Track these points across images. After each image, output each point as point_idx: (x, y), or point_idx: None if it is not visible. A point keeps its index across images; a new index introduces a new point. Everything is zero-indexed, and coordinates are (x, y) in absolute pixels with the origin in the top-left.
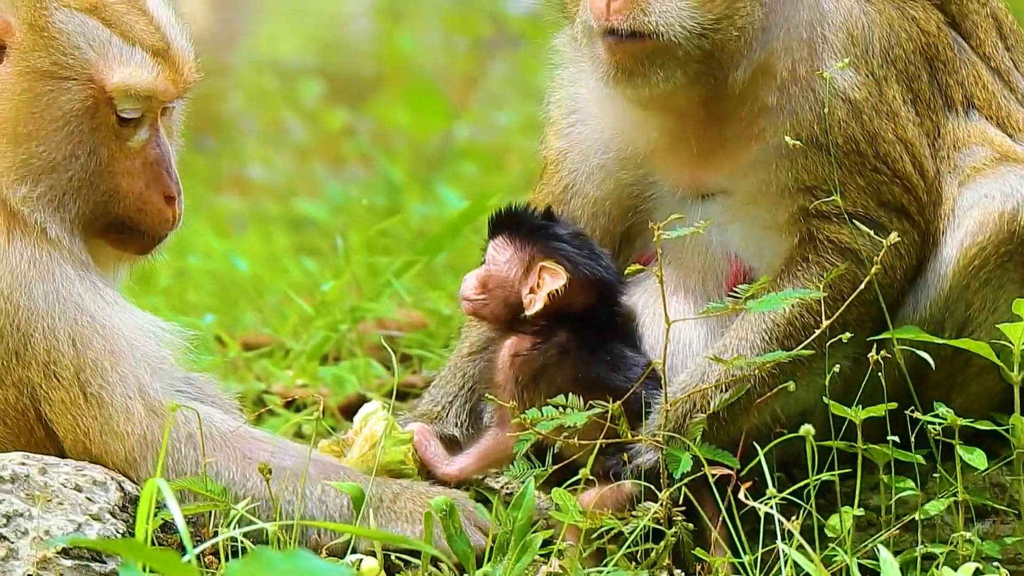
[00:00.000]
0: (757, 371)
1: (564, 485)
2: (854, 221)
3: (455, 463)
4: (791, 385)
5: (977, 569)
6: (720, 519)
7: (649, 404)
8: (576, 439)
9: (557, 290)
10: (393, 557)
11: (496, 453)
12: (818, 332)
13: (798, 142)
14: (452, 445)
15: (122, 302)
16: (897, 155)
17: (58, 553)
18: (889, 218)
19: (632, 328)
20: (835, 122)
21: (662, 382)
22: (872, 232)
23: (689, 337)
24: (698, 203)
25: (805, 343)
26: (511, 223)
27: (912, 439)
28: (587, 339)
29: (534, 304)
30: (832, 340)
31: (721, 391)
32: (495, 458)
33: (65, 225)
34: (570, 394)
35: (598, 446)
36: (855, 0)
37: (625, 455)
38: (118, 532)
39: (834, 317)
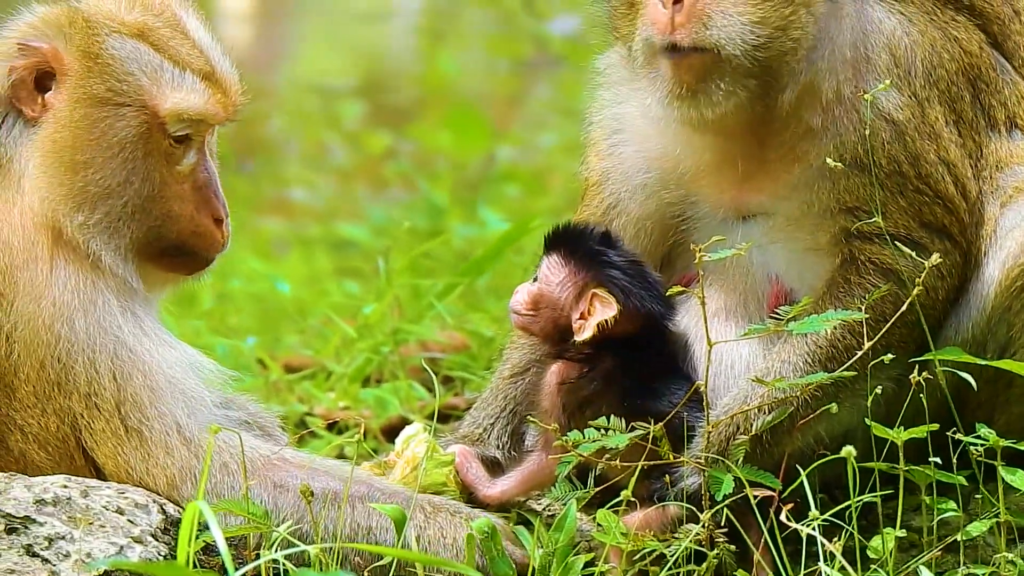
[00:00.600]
0: (800, 393)
1: (607, 507)
2: (896, 242)
3: (496, 485)
4: (834, 407)
5: None
6: (762, 541)
7: (693, 427)
8: (618, 461)
9: (608, 320)
10: None
11: (538, 477)
12: (860, 353)
13: (839, 164)
14: (494, 467)
15: (162, 335)
16: (939, 176)
17: (100, 575)
18: (931, 239)
19: (679, 352)
20: (878, 144)
21: (701, 404)
22: (914, 253)
23: (731, 359)
24: (739, 224)
25: (847, 364)
26: (568, 243)
27: (954, 460)
28: (633, 367)
29: (583, 331)
30: (874, 362)
31: (764, 413)
32: (537, 481)
33: (119, 251)
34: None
35: (640, 468)
36: (898, 20)
37: (668, 478)
38: (160, 555)
39: (876, 338)
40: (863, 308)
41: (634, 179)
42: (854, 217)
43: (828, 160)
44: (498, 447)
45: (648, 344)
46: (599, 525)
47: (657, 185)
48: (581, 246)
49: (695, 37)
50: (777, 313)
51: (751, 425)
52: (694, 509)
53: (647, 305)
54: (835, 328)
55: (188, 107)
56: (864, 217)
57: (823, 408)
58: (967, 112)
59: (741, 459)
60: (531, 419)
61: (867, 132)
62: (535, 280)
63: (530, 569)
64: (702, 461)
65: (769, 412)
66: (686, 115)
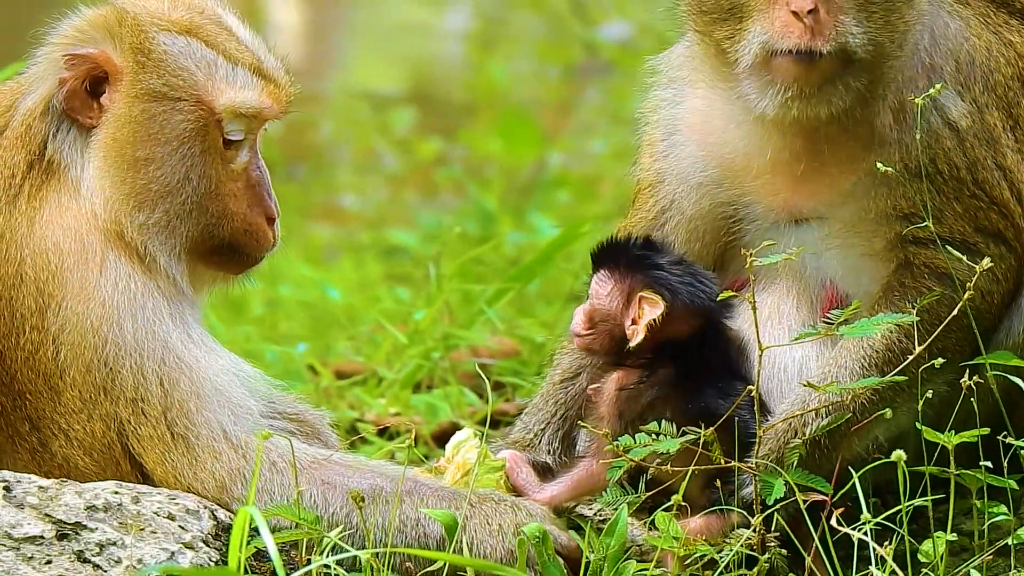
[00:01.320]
0: (854, 397)
1: (660, 510)
2: (948, 247)
3: (546, 490)
4: (888, 412)
5: None
6: (814, 545)
7: (752, 432)
8: (671, 466)
9: (656, 319)
10: None
11: (588, 483)
12: (912, 357)
13: (891, 169)
14: (544, 473)
15: (208, 341)
16: (995, 181)
17: None
18: (986, 244)
19: (739, 353)
20: (941, 151)
21: (755, 409)
22: (968, 258)
23: (784, 362)
24: (791, 228)
25: (899, 368)
26: (611, 256)
27: (1005, 464)
28: (694, 369)
29: (636, 335)
30: (925, 365)
31: (820, 418)
32: (587, 487)
33: (174, 252)
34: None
35: (699, 475)
36: (958, 26)
37: (719, 482)
38: (211, 560)
39: (929, 342)
40: (915, 311)
41: (690, 179)
42: (909, 222)
43: (879, 165)
44: (549, 452)
45: (706, 344)
46: (653, 528)
47: (713, 184)
48: (624, 255)
49: (829, 43)
50: (829, 317)
51: (806, 430)
52: (747, 515)
53: (698, 299)
54: (890, 332)
55: (243, 102)
56: (919, 222)
57: (878, 413)
58: (1023, 117)
59: (795, 463)
60: (583, 424)
61: (919, 137)
62: (588, 299)
63: (583, 567)
64: (754, 466)
65: (825, 417)
66: (803, 114)
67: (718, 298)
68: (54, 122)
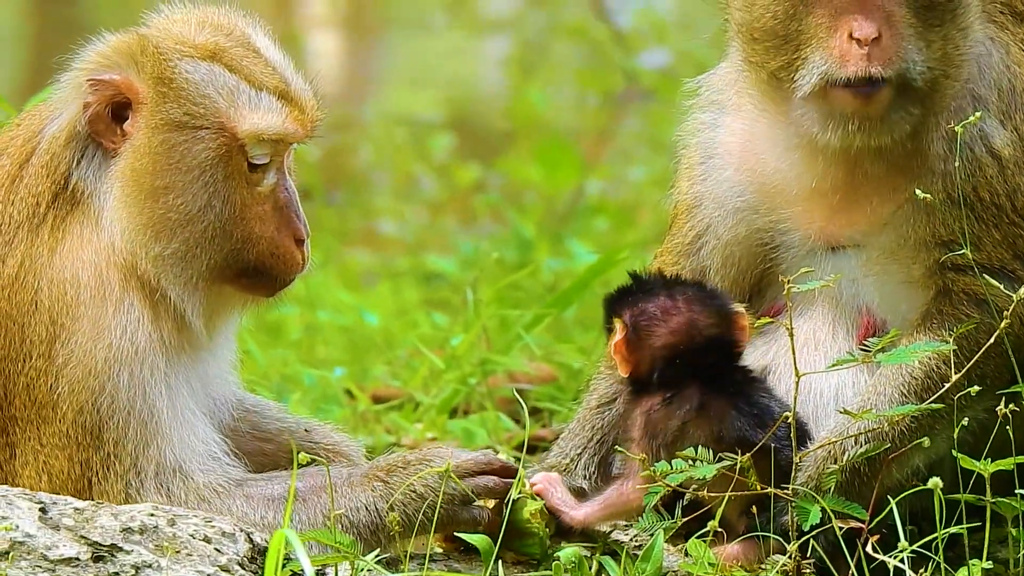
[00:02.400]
0: (892, 425)
1: (695, 536)
2: (985, 275)
3: (581, 509)
4: (926, 441)
5: None
6: (850, 572)
7: (789, 458)
8: (707, 492)
9: (620, 343)
10: None
11: (621, 504)
12: (949, 384)
13: (929, 196)
14: (580, 497)
15: (188, 413)
16: None
17: None
18: None
19: (758, 378)
20: (983, 179)
21: (792, 435)
22: (1004, 285)
23: (820, 388)
24: (828, 256)
25: (936, 396)
26: (608, 302)
27: None
28: (723, 392)
29: (618, 365)
30: (961, 393)
31: (858, 445)
32: (620, 510)
33: (191, 281)
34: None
35: (736, 501)
36: (999, 54)
37: (755, 509)
38: None
39: (966, 369)
40: (952, 339)
41: (727, 203)
42: (948, 250)
43: (918, 192)
44: (585, 477)
45: (730, 368)
46: (688, 554)
47: (750, 210)
48: (616, 296)
49: (889, 69)
50: (866, 345)
51: (844, 457)
52: (783, 542)
53: (659, 324)
54: (929, 359)
55: (267, 127)
56: (958, 249)
57: (917, 441)
58: None
59: (833, 490)
60: (618, 449)
61: (957, 165)
62: None
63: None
64: (790, 492)
65: (863, 444)
66: (865, 144)
67: (756, 324)
68: (79, 149)
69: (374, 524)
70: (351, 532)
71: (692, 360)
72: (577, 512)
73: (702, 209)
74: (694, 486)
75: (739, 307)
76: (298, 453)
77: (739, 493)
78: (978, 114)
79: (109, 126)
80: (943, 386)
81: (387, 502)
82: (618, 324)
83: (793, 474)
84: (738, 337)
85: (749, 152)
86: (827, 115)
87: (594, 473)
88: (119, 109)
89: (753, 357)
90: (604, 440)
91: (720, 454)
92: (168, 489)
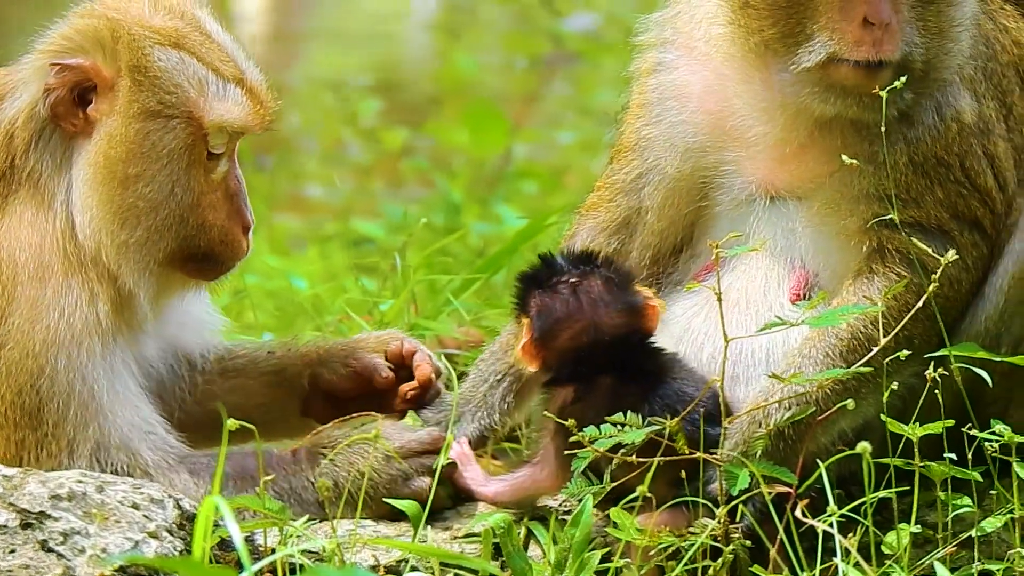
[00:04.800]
0: (819, 388)
1: (620, 504)
2: (918, 235)
3: (491, 486)
4: (851, 403)
5: None
6: (778, 537)
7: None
8: (636, 458)
9: (532, 343)
10: (452, 574)
11: (532, 490)
12: (878, 348)
13: (855, 161)
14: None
15: (130, 394)
16: (981, 169)
17: (115, 571)
18: (960, 231)
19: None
20: (943, 142)
21: (720, 400)
22: (939, 245)
23: (751, 347)
24: (768, 204)
25: (866, 358)
26: (517, 290)
27: (969, 456)
28: (635, 382)
29: (528, 365)
30: (889, 358)
31: (785, 409)
32: (530, 494)
33: (148, 267)
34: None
35: (665, 469)
36: (983, 20)
37: (683, 474)
38: (175, 550)
39: (895, 331)
40: (880, 301)
41: (678, 143)
42: (889, 204)
43: (844, 157)
44: (503, 407)
45: (643, 355)
46: (614, 523)
47: (699, 150)
48: (524, 284)
49: (896, 52)
50: (798, 302)
51: (770, 421)
52: (712, 508)
53: (560, 322)
54: (857, 320)
55: (232, 119)
56: (898, 206)
57: (841, 404)
58: (1016, 105)
59: (761, 454)
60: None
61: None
62: None
63: (546, 563)
64: (719, 458)
65: (789, 408)
66: (859, 117)
67: (684, 288)
68: (36, 131)
69: (319, 500)
70: (298, 507)
71: (600, 356)
72: (487, 489)
73: (652, 150)
74: (622, 451)
75: (647, 295)
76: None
77: (667, 459)
78: (901, 80)
79: (71, 109)
80: (870, 348)
81: (332, 480)
82: (525, 323)
83: (721, 439)
84: (648, 328)
85: (712, 96)
86: (827, 88)
87: (512, 403)
88: (83, 93)
89: (685, 317)
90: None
91: (649, 419)
92: (113, 468)
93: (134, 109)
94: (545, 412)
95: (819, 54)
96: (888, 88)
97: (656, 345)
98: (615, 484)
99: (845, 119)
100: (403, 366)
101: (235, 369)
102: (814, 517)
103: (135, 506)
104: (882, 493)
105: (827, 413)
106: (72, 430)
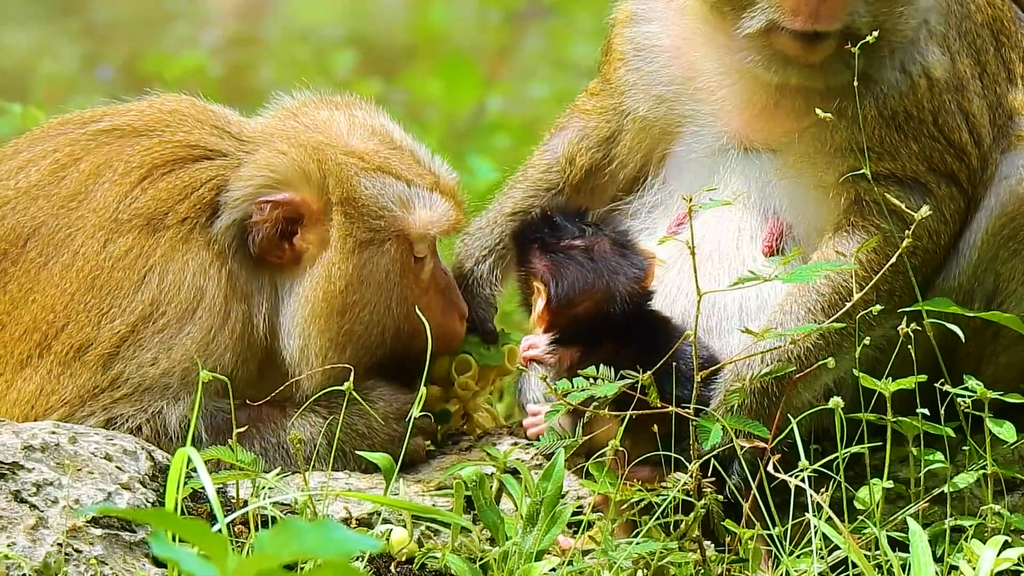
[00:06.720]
0: (798, 344)
1: (593, 457)
2: (893, 187)
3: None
4: (831, 361)
5: (1006, 542)
6: (751, 492)
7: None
8: (608, 411)
9: (544, 309)
10: (424, 527)
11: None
12: (852, 302)
13: (829, 115)
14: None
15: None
16: (956, 125)
17: (88, 522)
18: (937, 184)
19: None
20: (914, 97)
21: (693, 353)
22: (916, 197)
23: (724, 301)
24: (741, 155)
25: (843, 310)
26: (519, 244)
27: (942, 412)
28: (635, 344)
29: (537, 326)
30: (863, 313)
31: (763, 364)
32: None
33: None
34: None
35: (628, 420)
36: None
37: (655, 427)
38: (148, 502)
39: (871, 285)
40: (856, 256)
41: (653, 90)
42: (864, 158)
43: (818, 111)
44: (490, 281)
45: (639, 320)
46: (588, 474)
47: (674, 99)
48: (530, 245)
49: (835, 23)
50: (770, 258)
51: (747, 375)
52: (685, 462)
53: (583, 285)
54: (838, 275)
55: (436, 225)
56: (873, 159)
57: (822, 362)
58: (991, 64)
59: (738, 408)
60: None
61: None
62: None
63: (518, 517)
64: (691, 412)
65: (768, 364)
66: (802, 84)
67: (658, 242)
68: (233, 242)
69: (310, 454)
70: (285, 461)
71: (610, 321)
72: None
73: (631, 93)
74: (594, 405)
75: (649, 254)
76: None
77: (640, 412)
78: (873, 35)
79: (276, 242)
80: (849, 302)
81: (327, 439)
82: (539, 288)
83: (694, 393)
84: (650, 289)
85: (682, 53)
86: (769, 56)
87: (499, 277)
88: (288, 224)
89: (658, 271)
90: (511, 249)
91: (622, 372)
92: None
93: (349, 244)
94: (547, 381)
95: (760, 20)
96: (831, 55)
97: (651, 306)
98: (587, 438)
99: (805, 89)
100: None
101: None
102: (786, 472)
103: (108, 457)
104: (854, 448)
105: (808, 369)
106: (132, 398)
